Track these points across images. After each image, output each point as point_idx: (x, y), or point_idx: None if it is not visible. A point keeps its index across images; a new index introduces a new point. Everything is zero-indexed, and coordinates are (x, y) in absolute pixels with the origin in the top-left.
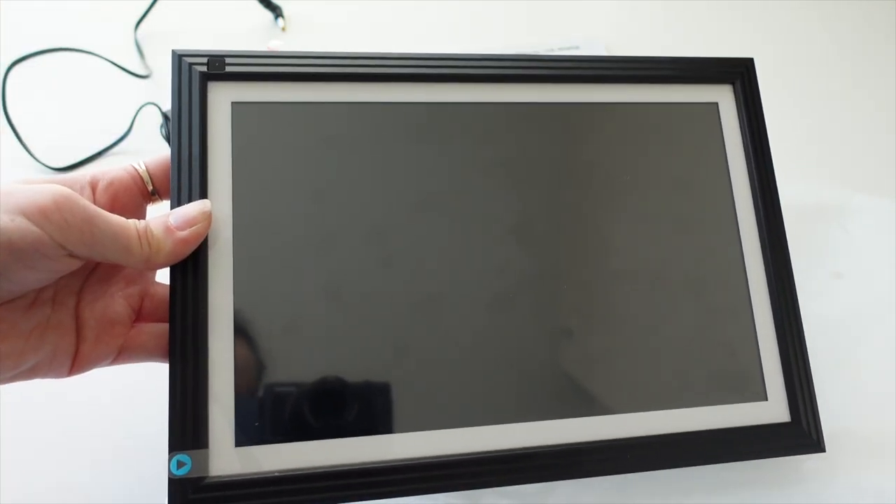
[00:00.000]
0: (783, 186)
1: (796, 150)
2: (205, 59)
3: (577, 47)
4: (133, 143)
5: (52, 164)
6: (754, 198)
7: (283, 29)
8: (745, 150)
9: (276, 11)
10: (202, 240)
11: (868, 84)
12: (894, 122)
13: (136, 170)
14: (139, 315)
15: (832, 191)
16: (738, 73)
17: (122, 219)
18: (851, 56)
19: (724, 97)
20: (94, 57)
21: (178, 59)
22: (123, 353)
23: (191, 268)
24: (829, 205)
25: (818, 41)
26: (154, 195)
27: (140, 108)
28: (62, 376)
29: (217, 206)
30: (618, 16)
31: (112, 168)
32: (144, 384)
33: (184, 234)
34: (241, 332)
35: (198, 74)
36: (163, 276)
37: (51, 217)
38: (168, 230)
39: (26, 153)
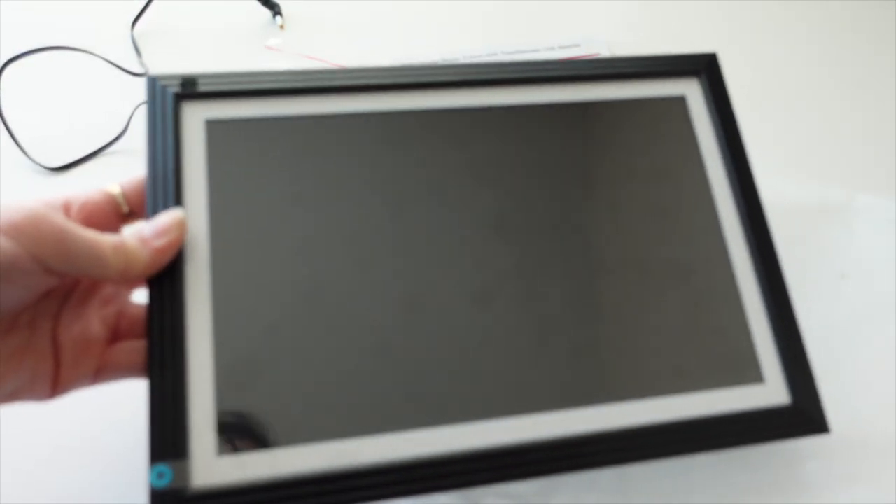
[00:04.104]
0: (787, 187)
1: (801, 150)
2: (178, 81)
3: (577, 45)
4: (129, 142)
5: (48, 163)
6: (731, 183)
7: (282, 27)
8: (716, 138)
9: (275, 9)
10: (178, 249)
11: (874, 83)
12: None
13: (110, 192)
14: (116, 334)
15: (837, 190)
16: (703, 67)
17: (97, 232)
18: (856, 56)
19: (691, 90)
20: (90, 55)
21: (152, 81)
22: (102, 373)
23: (168, 280)
24: (834, 205)
25: (825, 40)
26: (129, 216)
27: (137, 106)
28: (43, 399)
29: (193, 219)
30: (619, 14)
31: (85, 191)
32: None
33: (159, 243)
34: (221, 341)
35: (171, 95)
36: (139, 296)
37: (25, 231)
38: (143, 241)
39: (21, 153)
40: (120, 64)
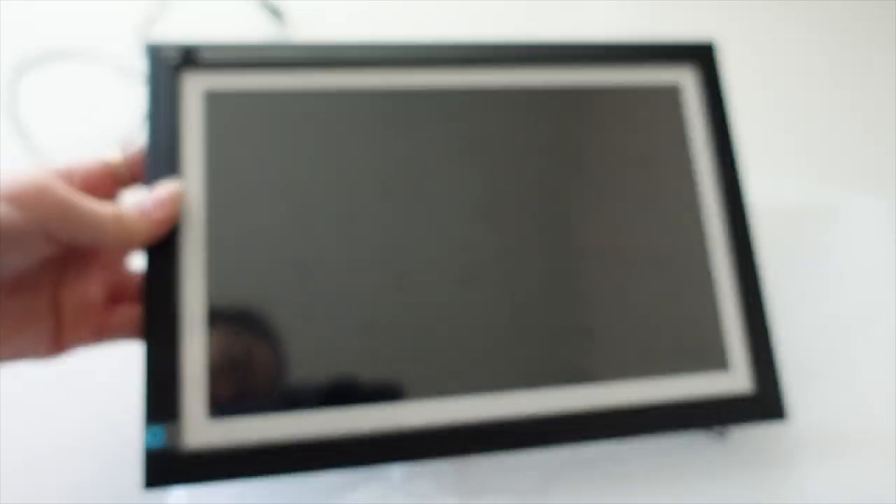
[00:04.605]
0: (782, 186)
1: (798, 149)
2: (178, 50)
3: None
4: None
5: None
6: (717, 174)
7: (286, 30)
8: (707, 128)
9: (278, 13)
10: (175, 220)
11: (872, 83)
12: (894, 123)
13: (110, 160)
14: (116, 297)
15: (831, 190)
16: (699, 54)
17: (98, 202)
18: (855, 55)
19: (686, 78)
20: (100, 59)
21: (151, 49)
22: (102, 334)
23: (165, 248)
24: (828, 204)
25: (825, 40)
26: (128, 185)
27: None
28: (46, 357)
29: (190, 190)
30: (616, 12)
31: (86, 159)
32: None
33: (157, 215)
34: (214, 308)
35: (170, 65)
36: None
37: (29, 202)
38: (141, 212)
39: (33, 156)
40: (131, 67)
